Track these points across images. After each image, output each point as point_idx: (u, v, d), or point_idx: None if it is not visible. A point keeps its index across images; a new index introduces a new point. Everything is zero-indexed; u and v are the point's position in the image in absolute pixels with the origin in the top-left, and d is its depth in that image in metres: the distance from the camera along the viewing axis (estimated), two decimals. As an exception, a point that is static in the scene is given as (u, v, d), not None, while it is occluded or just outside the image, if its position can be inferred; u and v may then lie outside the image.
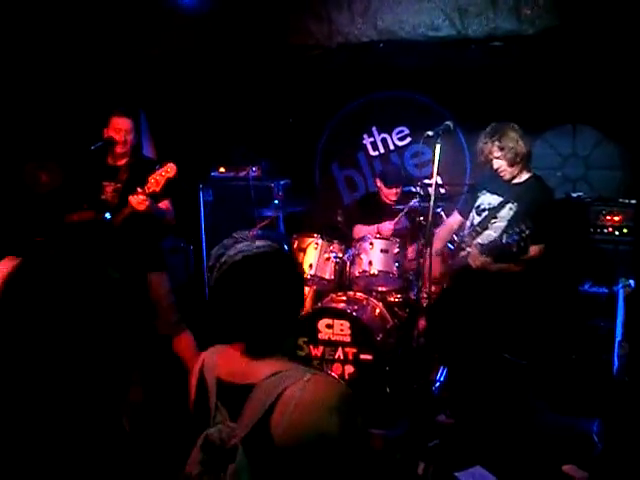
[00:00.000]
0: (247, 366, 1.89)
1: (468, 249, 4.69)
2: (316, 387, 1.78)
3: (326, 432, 1.74)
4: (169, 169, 4.67)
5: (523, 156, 4.55)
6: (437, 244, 4.97)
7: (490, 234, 4.64)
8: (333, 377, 1.89)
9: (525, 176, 4.66)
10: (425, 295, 4.81)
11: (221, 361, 1.97)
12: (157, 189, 4.63)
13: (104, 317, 1.36)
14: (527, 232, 4.12)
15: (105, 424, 1.35)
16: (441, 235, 5.07)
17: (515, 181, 4.66)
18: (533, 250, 4.32)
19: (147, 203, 4.63)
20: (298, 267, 2.06)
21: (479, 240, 4.67)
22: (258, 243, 1.92)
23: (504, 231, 4.35)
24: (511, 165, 4.57)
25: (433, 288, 4.90)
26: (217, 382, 1.92)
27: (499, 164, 4.59)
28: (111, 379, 1.38)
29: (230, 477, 1.75)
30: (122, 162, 4.96)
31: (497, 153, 4.55)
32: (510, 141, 4.50)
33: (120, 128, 4.87)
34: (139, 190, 4.63)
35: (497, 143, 4.52)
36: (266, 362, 1.88)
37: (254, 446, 1.76)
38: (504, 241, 4.23)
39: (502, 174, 4.62)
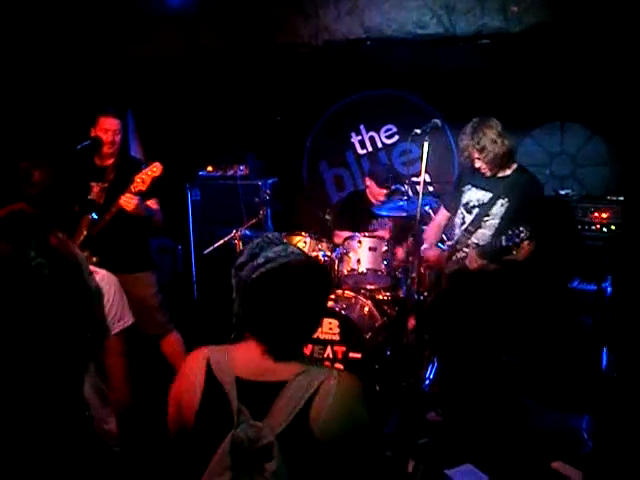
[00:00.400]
0: (273, 366, 1.93)
1: (465, 249, 4.67)
2: (347, 381, 1.90)
3: (360, 420, 1.89)
4: (155, 168, 4.65)
5: (504, 155, 4.49)
6: (427, 242, 4.97)
7: (484, 232, 4.62)
8: (351, 373, 1.98)
9: (511, 169, 4.63)
10: (416, 295, 4.80)
11: (238, 362, 1.96)
12: (143, 188, 4.61)
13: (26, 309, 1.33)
14: (526, 234, 4.11)
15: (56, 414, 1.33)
16: (430, 233, 5.06)
17: (500, 174, 4.62)
18: (526, 246, 4.30)
19: (136, 202, 4.61)
20: (329, 278, 2.15)
21: (474, 239, 4.66)
22: (294, 249, 1.99)
23: (501, 232, 4.34)
24: (492, 166, 4.54)
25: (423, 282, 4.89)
26: (237, 382, 1.91)
27: (479, 164, 4.57)
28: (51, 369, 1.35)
29: (270, 475, 1.76)
30: (109, 162, 4.94)
31: (477, 154, 4.52)
32: (489, 142, 4.43)
33: (108, 128, 4.86)
34: (127, 190, 4.61)
35: (477, 146, 4.47)
36: (291, 362, 1.93)
37: (291, 441, 1.80)
38: (503, 244, 4.22)
39: (484, 172, 4.60)
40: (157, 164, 4.68)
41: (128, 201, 4.59)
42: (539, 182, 4.75)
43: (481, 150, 4.47)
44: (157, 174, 4.66)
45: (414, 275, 4.92)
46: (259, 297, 1.92)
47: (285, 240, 2.07)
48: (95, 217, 4.72)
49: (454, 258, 4.77)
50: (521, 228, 4.11)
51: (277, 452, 1.78)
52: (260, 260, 1.92)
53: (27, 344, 1.28)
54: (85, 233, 4.66)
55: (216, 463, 1.83)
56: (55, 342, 1.33)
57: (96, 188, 4.89)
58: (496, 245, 4.34)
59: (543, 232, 4.43)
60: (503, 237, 4.23)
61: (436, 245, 5.03)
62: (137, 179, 4.64)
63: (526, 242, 4.21)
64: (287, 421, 1.80)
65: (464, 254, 4.66)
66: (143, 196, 4.69)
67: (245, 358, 1.96)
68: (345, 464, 1.84)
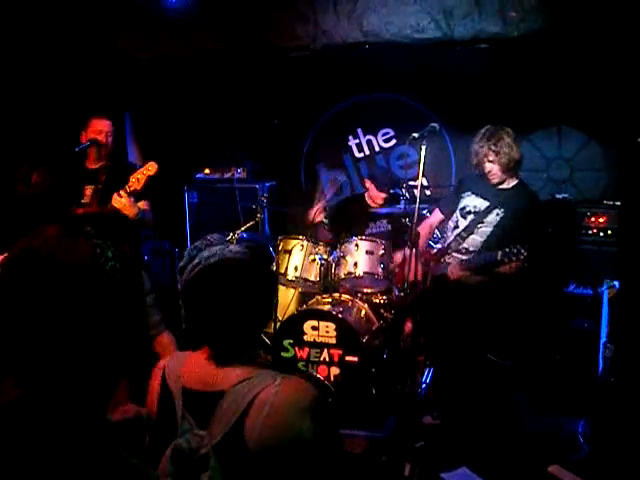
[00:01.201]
0: (215, 373, 1.85)
1: (455, 254, 4.69)
2: (288, 390, 1.77)
3: (300, 434, 1.73)
4: (150, 167, 4.69)
5: (516, 162, 4.57)
6: (420, 242, 4.97)
7: (475, 239, 4.65)
8: (303, 380, 1.85)
9: (513, 182, 4.69)
10: (397, 291, 4.81)
11: (186, 369, 1.91)
12: (138, 187, 4.66)
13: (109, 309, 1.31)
14: (525, 255, 4.14)
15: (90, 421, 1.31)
16: (422, 233, 5.05)
17: (502, 186, 4.67)
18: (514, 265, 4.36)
19: (128, 202, 4.65)
20: (271, 275, 2.05)
21: (464, 245, 4.68)
22: (232, 247, 1.91)
23: (498, 244, 4.35)
24: (503, 170, 4.58)
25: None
26: (183, 391, 1.86)
27: (491, 167, 4.59)
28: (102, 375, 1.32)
29: None
30: (101, 165, 4.99)
31: (492, 157, 4.55)
32: (506, 146, 4.51)
33: (102, 130, 4.91)
34: (122, 189, 4.65)
35: (493, 147, 4.52)
36: (234, 369, 1.84)
37: (227, 453, 1.72)
38: (498, 258, 4.25)
39: (492, 178, 4.62)
40: (152, 163, 4.72)
41: (120, 200, 4.63)
42: (536, 197, 4.81)
43: (497, 152, 4.52)
44: (152, 173, 4.70)
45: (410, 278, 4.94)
46: (195, 298, 1.87)
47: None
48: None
49: (442, 261, 4.79)
50: (522, 250, 4.15)
51: (214, 462, 1.72)
52: (195, 261, 1.87)
53: (86, 342, 1.26)
54: None
55: (160, 470, 1.80)
56: (108, 349, 1.31)
57: (88, 190, 4.92)
58: (489, 258, 4.37)
59: (536, 244, 4.45)
60: (500, 252, 4.26)
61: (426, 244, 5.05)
62: (132, 178, 4.68)
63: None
64: (224, 431, 1.73)
65: (452, 259, 4.68)
66: (137, 196, 4.72)
67: (191, 366, 1.91)
68: (285, 476, 1.74)
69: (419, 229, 5.09)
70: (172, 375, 1.92)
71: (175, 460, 1.78)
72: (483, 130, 4.63)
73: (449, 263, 4.71)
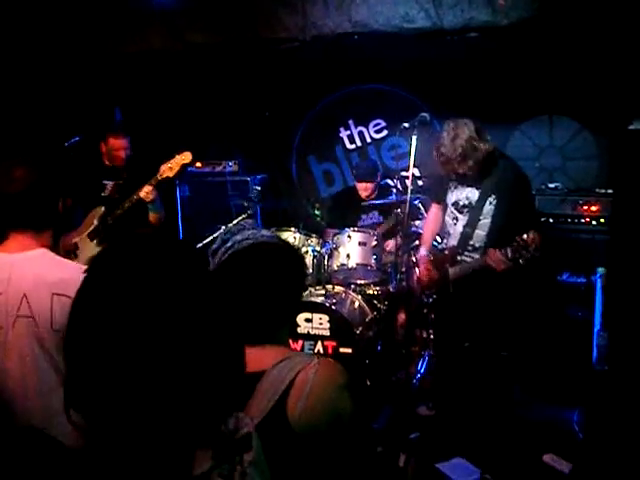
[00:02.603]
0: (249, 355, 1.88)
1: (466, 254, 4.60)
2: (327, 369, 1.83)
3: (341, 410, 1.80)
4: (184, 156, 4.94)
5: (484, 159, 4.39)
6: (424, 245, 4.91)
7: (479, 234, 4.56)
8: (334, 360, 1.94)
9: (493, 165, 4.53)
10: (425, 298, 4.79)
11: None
12: (171, 174, 4.90)
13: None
14: (536, 256, 4.10)
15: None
16: (427, 234, 4.97)
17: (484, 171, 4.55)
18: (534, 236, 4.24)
19: (155, 194, 4.97)
20: (302, 259, 2.08)
21: (471, 242, 4.60)
22: (264, 232, 1.97)
23: (507, 243, 4.23)
24: (476, 170, 4.46)
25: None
26: None
27: (462, 171, 4.46)
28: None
29: (248, 465, 1.74)
30: (120, 163, 5.26)
31: (457, 167, 4.41)
32: (469, 150, 4.31)
33: (119, 147, 5.17)
34: (152, 179, 4.94)
35: (458, 158, 4.33)
36: (267, 350, 1.89)
37: (269, 432, 1.74)
38: (510, 256, 4.16)
39: (470, 175, 4.51)
40: (187, 153, 4.99)
41: (151, 190, 4.93)
42: (519, 167, 4.64)
43: (462, 160, 4.35)
44: (187, 161, 4.99)
45: (404, 270, 4.93)
46: (230, 279, 1.90)
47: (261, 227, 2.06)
48: (104, 211, 5.07)
49: (460, 263, 4.66)
50: (536, 253, 4.08)
51: (256, 442, 1.76)
52: (229, 244, 1.93)
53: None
54: (96, 223, 5.00)
55: (198, 452, 1.81)
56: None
57: (110, 185, 5.20)
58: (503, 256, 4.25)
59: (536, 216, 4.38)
60: (509, 249, 4.16)
61: (432, 245, 4.97)
62: (163, 167, 4.93)
63: (534, 235, 4.18)
64: (265, 411, 1.76)
65: (469, 259, 4.60)
66: (165, 184, 5.07)
67: None
68: (327, 455, 1.80)
69: (424, 231, 5.04)
70: None
71: (214, 442, 1.79)
72: (444, 136, 4.41)
73: (464, 261, 4.61)
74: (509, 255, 4.14)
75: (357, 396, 1.87)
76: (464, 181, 4.61)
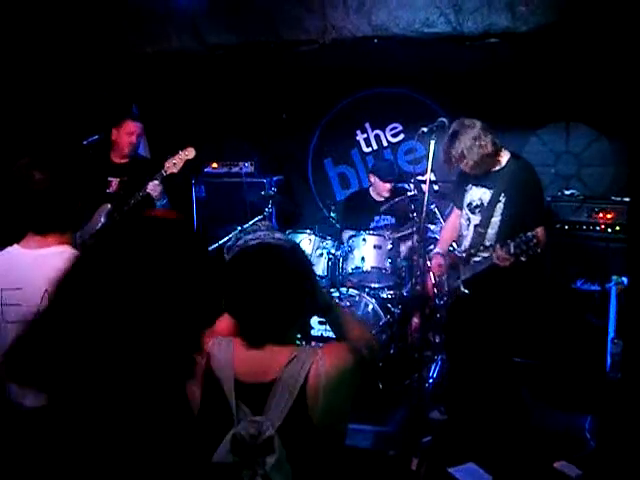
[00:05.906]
0: (262, 361, 1.92)
1: (480, 254, 4.59)
2: (334, 356, 1.91)
3: (358, 383, 1.95)
4: (188, 152, 4.93)
5: (487, 155, 4.42)
6: (441, 246, 4.91)
7: (490, 233, 4.56)
8: (337, 343, 2.00)
9: (504, 158, 4.54)
10: (437, 300, 4.78)
11: (236, 359, 1.94)
12: (175, 171, 4.87)
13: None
14: (537, 252, 4.09)
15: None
16: (446, 236, 4.95)
17: (496, 168, 4.53)
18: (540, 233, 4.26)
19: (161, 188, 4.97)
20: (306, 263, 2.10)
21: (485, 242, 4.59)
22: (276, 234, 2.01)
23: (511, 238, 4.23)
24: (480, 167, 4.49)
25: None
26: (235, 383, 1.90)
27: (468, 169, 4.49)
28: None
29: (271, 468, 1.76)
30: (126, 160, 5.27)
31: (461, 164, 4.46)
32: (466, 151, 4.36)
33: (133, 132, 5.22)
34: (157, 175, 4.96)
35: (456, 156, 4.40)
36: (276, 351, 1.92)
37: (291, 432, 1.80)
38: (512, 251, 4.15)
39: (477, 173, 4.54)
40: (191, 148, 5.00)
41: (157, 185, 4.94)
42: (531, 166, 4.61)
43: (461, 158, 4.39)
44: (191, 157, 4.98)
45: (418, 274, 4.92)
46: (235, 276, 1.94)
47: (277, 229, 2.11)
48: (111, 207, 5.06)
49: (471, 262, 4.67)
50: (538, 250, 4.07)
51: (278, 445, 1.78)
52: (240, 242, 1.98)
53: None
54: (103, 221, 4.98)
55: (218, 460, 1.83)
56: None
57: (115, 182, 5.18)
58: (507, 250, 4.25)
59: (545, 214, 4.37)
60: (512, 243, 4.16)
61: (448, 248, 4.96)
62: (168, 164, 4.95)
63: (539, 232, 4.17)
64: (285, 413, 1.80)
65: (480, 258, 4.59)
66: (170, 182, 5.03)
67: (239, 355, 1.95)
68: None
69: (442, 233, 5.04)
70: (221, 366, 1.94)
71: (236, 449, 1.82)
72: (446, 139, 4.48)
73: (478, 262, 4.60)
74: (511, 250, 4.13)
75: (367, 363, 2.01)
76: (478, 180, 4.62)
